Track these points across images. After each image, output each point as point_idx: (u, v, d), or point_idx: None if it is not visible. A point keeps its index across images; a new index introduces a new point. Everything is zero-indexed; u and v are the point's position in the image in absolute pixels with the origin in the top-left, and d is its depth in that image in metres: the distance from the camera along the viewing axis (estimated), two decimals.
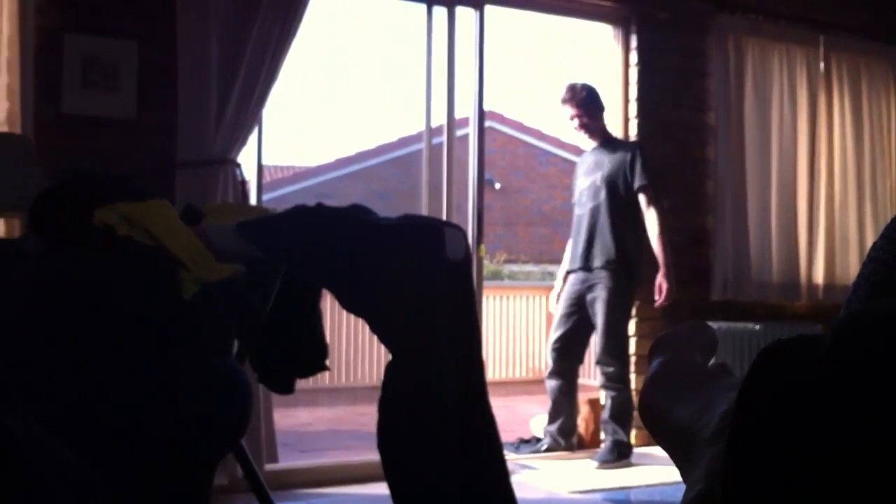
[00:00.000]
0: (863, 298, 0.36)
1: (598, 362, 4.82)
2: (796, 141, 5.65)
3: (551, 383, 4.96)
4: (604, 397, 4.86)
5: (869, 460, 0.25)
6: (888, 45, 6.02)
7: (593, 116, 4.92)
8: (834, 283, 5.75)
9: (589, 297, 4.82)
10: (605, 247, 4.78)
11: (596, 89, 4.99)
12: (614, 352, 4.78)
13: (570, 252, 4.97)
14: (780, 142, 5.60)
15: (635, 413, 4.87)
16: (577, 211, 4.95)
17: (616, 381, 4.78)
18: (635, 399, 4.98)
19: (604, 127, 4.99)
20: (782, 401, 0.28)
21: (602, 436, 4.93)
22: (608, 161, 4.85)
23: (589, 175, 4.91)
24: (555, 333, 4.97)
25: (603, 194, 4.81)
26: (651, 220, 4.79)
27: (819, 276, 5.72)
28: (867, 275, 0.37)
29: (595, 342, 4.87)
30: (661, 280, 4.81)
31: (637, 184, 4.78)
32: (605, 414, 4.82)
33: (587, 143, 5.04)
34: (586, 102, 4.90)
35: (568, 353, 4.93)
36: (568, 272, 4.99)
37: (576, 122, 4.92)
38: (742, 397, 0.30)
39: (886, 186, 5.98)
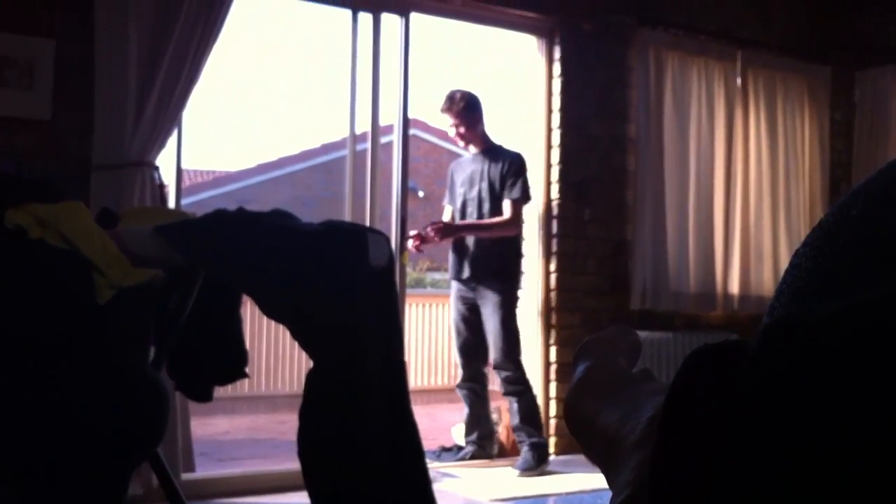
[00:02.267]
0: (786, 304, 0.36)
1: (496, 367, 4.87)
2: (713, 153, 5.78)
3: (463, 391, 5.02)
4: (508, 403, 4.89)
5: (797, 466, 0.25)
6: (804, 61, 6.19)
7: (471, 126, 4.97)
8: (749, 293, 5.88)
9: (479, 302, 4.90)
10: (490, 260, 4.86)
11: (476, 97, 5.04)
12: (510, 355, 4.83)
13: (456, 261, 5.01)
14: (697, 154, 5.71)
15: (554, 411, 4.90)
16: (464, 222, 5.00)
17: (516, 383, 4.84)
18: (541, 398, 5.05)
19: (483, 135, 5.04)
20: (709, 406, 0.28)
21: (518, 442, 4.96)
22: (488, 172, 4.93)
23: (472, 186, 4.98)
24: (457, 341, 5.06)
25: (487, 206, 4.90)
26: (502, 219, 4.85)
27: (734, 287, 5.84)
28: (790, 281, 0.37)
29: (489, 348, 4.91)
30: (446, 226, 4.89)
31: (505, 195, 4.86)
32: (515, 420, 4.84)
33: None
34: (464, 112, 4.96)
35: (474, 357, 5.00)
36: (454, 279, 5.05)
37: (453, 130, 5.00)
38: (669, 402, 0.29)
39: (800, 199, 6.14)
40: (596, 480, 4.47)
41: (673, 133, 5.60)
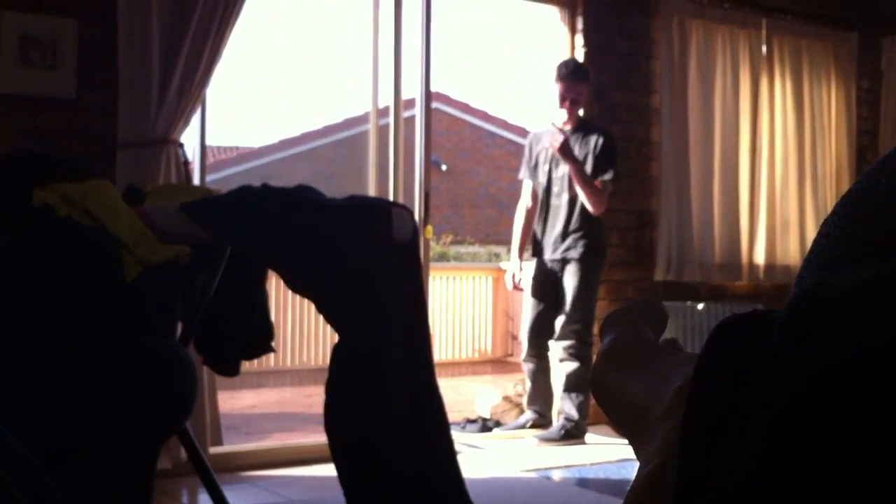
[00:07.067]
0: (814, 274, 0.36)
1: (560, 338, 4.84)
2: (738, 123, 5.73)
3: (529, 366, 4.99)
4: (561, 370, 4.88)
5: (828, 436, 0.25)
6: (829, 28, 6.11)
7: (584, 95, 4.86)
8: (774, 263, 5.84)
9: (563, 280, 4.83)
10: (580, 239, 4.78)
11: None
12: (574, 324, 4.80)
13: (541, 238, 4.91)
14: (722, 124, 5.67)
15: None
16: (552, 201, 4.87)
17: (573, 352, 4.82)
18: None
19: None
20: (738, 376, 0.28)
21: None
22: (579, 150, 4.79)
23: (558, 164, 4.82)
24: (529, 316, 4.97)
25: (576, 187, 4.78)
26: (595, 187, 4.76)
27: (760, 257, 5.81)
28: (818, 251, 0.37)
29: (561, 322, 4.85)
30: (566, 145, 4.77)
31: (597, 177, 4.75)
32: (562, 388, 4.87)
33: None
34: (586, 85, 4.85)
35: (541, 333, 4.93)
36: (535, 256, 4.95)
37: (567, 101, 4.78)
38: (698, 372, 0.29)
39: (826, 168, 6.09)
40: (621, 451, 4.48)
41: (697, 103, 5.55)
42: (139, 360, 2.09)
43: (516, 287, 5.09)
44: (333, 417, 2.02)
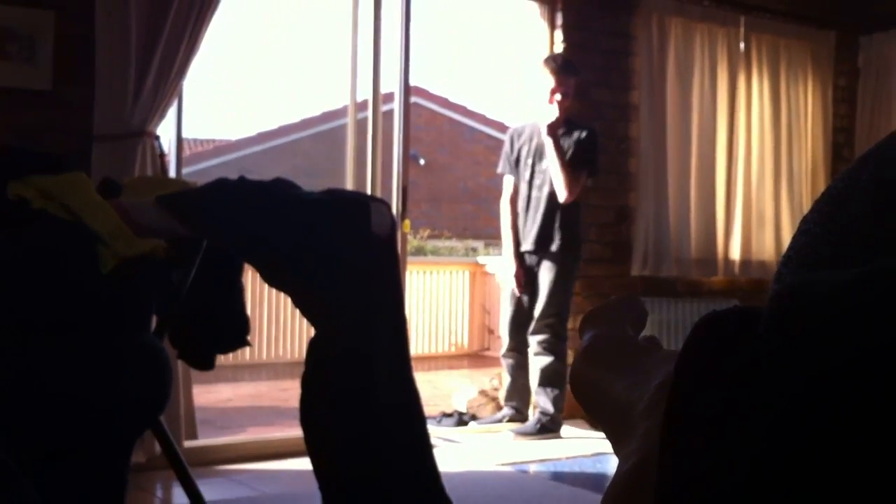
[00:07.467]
0: (794, 271, 0.36)
1: (534, 332, 4.84)
2: (716, 120, 5.75)
3: (509, 361, 5.00)
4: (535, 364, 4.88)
5: (812, 432, 0.25)
6: (808, 27, 6.15)
7: (571, 90, 4.84)
8: (750, 259, 5.88)
9: (540, 275, 4.84)
10: (559, 233, 4.78)
11: None
12: (547, 318, 4.81)
13: (520, 231, 4.91)
14: (700, 121, 5.69)
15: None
16: (533, 193, 4.85)
17: (547, 348, 4.82)
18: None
19: None
20: (720, 372, 0.28)
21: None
22: (563, 144, 4.79)
23: (542, 158, 4.82)
24: (509, 311, 4.98)
25: (559, 180, 4.75)
26: (569, 176, 4.74)
27: (735, 253, 5.84)
28: (798, 247, 0.37)
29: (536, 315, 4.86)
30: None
31: (574, 166, 4.75)
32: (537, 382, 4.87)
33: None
34: (573, 74, 4.84)
35: (522, 329, 4.93)
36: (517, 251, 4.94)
37: (560, 96, 4.76)
38: (679, 368, 0.29)
39: (801, 165, 6.12)
40: (596, 444, 4.50)
41: (676, 100, 5.57)
42: (114, 354, 2.07)
43: (521, 286, 4.92)
44: (309, 412, 2.01)
